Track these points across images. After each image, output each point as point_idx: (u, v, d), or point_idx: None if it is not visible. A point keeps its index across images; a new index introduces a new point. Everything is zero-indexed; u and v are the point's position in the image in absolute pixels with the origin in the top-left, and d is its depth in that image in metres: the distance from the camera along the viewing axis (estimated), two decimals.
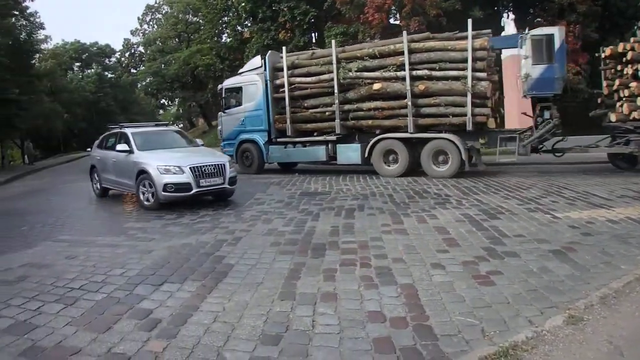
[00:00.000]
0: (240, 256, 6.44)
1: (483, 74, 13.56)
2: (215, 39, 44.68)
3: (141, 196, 10.84)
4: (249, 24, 37.46)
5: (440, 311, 4.41)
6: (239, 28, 39.04)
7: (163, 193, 10.27)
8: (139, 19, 69.87)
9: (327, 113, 15.80)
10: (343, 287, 5.07)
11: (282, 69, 16.39)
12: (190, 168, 10.26)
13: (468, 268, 5.52)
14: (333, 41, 17.29)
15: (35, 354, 4.03)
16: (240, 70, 18.82)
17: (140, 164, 10.88)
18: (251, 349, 3.89)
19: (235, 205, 10.68)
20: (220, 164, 10.80)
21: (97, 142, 14.19)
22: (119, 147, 11.69)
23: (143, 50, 70.31)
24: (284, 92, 16.33)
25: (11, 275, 6.26)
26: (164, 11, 67.56)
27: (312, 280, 5.32)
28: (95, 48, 74.68)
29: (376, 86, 14.72)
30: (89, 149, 27.40)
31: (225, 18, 41.51)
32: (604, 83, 14.13)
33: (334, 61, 15.30)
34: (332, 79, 15.39)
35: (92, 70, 73.80)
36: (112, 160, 12.43)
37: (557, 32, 13.80)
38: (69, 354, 3.98)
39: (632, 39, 13.64)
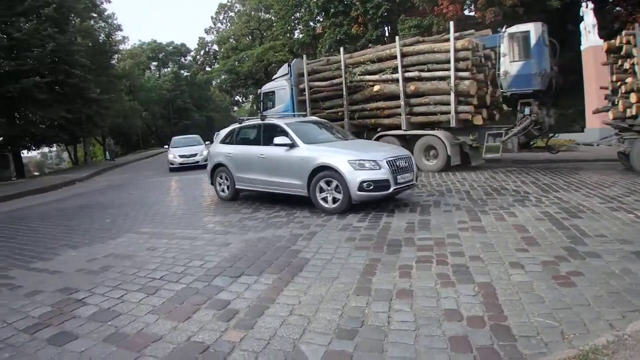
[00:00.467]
0: (315, 251, 6.49)
1: (466, 73, 14.62)
2: (288, 35, 45.15)
3: (320, 200, 9.26)
4: (321, 19, 37.60)
5: (519, 311, 4.28)
6: (311, 24, 39.27)
7: (358, 192, 8.73)
8: (212, 17, 71.87)
9: (339, 113, 17.81)
10: (419, 284, 5.02)
11: (304, 75, 18.65)
12: (387, 162, 8.90)
13: (548, 268, 5.32)
14: (342, 48, 19.00)
15: (118, 340, 4.22)
16: (274, 77, 21.19)
17: (315, 159, 9.25)
18: (327, 343, 3.91)
19: (308, 200, 10.70)
20: (409, 157, 9.53)
21: (219, 136, 12.52)
22: (278, 140, 9.84)
23: (217, 49, 72.20)
24: (305, 95, 18.66)
25: (96, 265, 6.60)
26: (236, 9, 69.01)
27: (387, 277, 5.29)
28: (171, 47, 77.32)
29: (376, 88, 16.54)
30: (166, 146, 29.21)
31: (298, 14, 41.88)
32: (609, 78, 13.49)
33: (342, 66, 17.39)
34: (341, 83, 17.46)
35: (169, 69, 76.59)
36: (258, 157, 10.54)
37: (533, 29, 14.46)
38: (150, 341, 4.14)
39: (623, 32, 12.98)
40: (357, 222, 8.09)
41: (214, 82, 72.96)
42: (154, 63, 78.35)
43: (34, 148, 36.28)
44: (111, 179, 22.17)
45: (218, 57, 71.44)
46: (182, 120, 69.81)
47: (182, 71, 76.95)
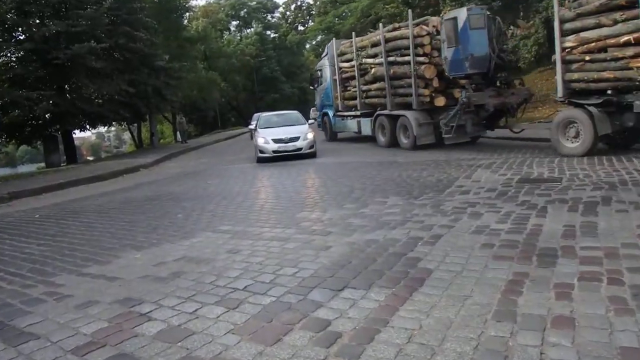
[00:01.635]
0: (440, 260, 6.35)
1: (422, 58, 20.12)
2: None
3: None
4: None
5: None
6: None
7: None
8: None
9: (356, 92, 25.18)
10: (583, 310, 4.74)
11: (339, 55, 26.61)
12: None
13: None
14: (354, 33, 25.95)
15: None
16: (322, 55, 31.07)
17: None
18: None
19: (432, 194, 10.66)
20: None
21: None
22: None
23: (312, 2, 72.77)
24: (336, 75, 26.75)
25: (165, 271, 6.78)
26: None
27: (539, 298, 5.06)
28: (254, 2, 78.72)
29: (372, 70, 23.24)
30: (251, 124, 30.53)
31: None
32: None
33: (354, 49, 24.57)
34: (354, 65, 24.82)
35: (252, 29, 78.24)
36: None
37: (459, 14, 18.81)
38: None
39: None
40: (495, 224, 7.86)
41: (307, 45, 73.84)
42: (234, 22, 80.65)
43: (88, 127, 35.93)
44: (183, 164, 23.26)
45: (313, 13, 72.03)
46: (270, 93, 71.71)
47: (269, 32, 78.57)
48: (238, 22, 79.98)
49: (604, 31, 14.21)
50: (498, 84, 19.86)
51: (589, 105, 14.65)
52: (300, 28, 76.10)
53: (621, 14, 13.70)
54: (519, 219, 8.11)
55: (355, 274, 6.04)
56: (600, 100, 14.45)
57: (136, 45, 30.76)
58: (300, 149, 21.68)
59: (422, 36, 20.11)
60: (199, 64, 50.14)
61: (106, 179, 19.98)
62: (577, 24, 15.01)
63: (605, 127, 14.57)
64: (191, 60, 43.42)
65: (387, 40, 22.02)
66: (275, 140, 21.76)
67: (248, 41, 73.26)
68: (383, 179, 13.45)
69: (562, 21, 15.34)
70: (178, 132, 42.93)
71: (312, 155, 21.88)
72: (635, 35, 13.31)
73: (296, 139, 21.90)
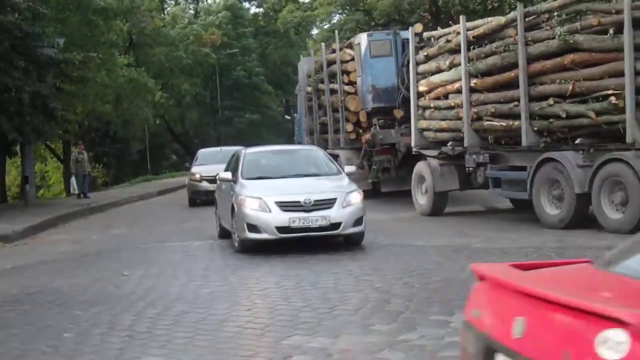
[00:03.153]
0: None
1: (349, 87, 18.42)
2: None
3: None
4: None
5: None
6: None
7: None
8: None
9: (313, 126, 22.51)
10: None
11: (307, 77, 23.26)
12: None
13: None
14: (312, 51, 25.21)
15: None
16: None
17: None
18: None
19: None
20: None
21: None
22: None
23: None
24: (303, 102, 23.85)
25: None
26: None
27: None
28: None
29: (321, 99, 20.70)
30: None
31: None
32: None
33: (313, 71, 21.79)
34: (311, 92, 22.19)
35: (218, 0, 51.56)
36: None
37: (361, 40, 17.89)
38: None
39: None
40: None
41: (315, 31, 44.31)
42: None
43: None
44: (81, 237, 15.56)
45: None
46: (243, 111, 49.12)
47: (247, 3, 52.18)
48: None
49: (444, 76, 14.18)
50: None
51: (430, 157, 14.79)
52: (304, 0, 41.57)
53: (453, 58, 13.78)
54: None
55: None
56: (435, 153, 14.58)
57: (4, 18, 18.61)
58: (338, 225, 11.61)
59: (347, 61, 18.48)
60: (118, 57, 31.67)
61: None
62: (426, 67, 14.97)
63: (447, 183, 14.31)
64: (105, 48, 27.54)
65: (328, 64, 19.75)
66: (285, 205, 11.87)
67: (210, 20, 47.83)
68: (444, 279, 8.73)
69: (417, 63, 15.19)
70: (73, 178, 26.31)
71: (354, 241, 12.41)
72: (457, 84, 13.44)
73: (328, 203, 11.79)
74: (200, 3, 52.81)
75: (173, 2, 52.81)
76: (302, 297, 8.19)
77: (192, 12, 50.92)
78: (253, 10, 51.52)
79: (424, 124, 14.78)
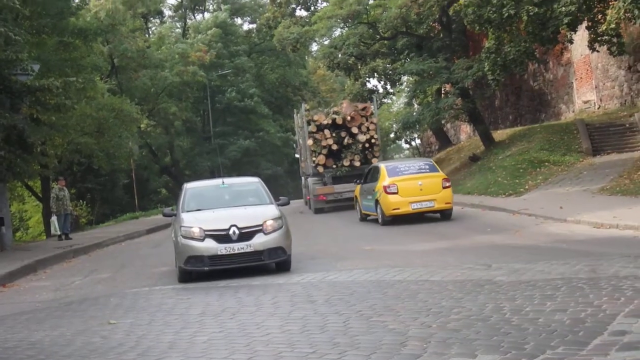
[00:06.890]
0: None
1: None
2: None
3: None
4: None
5: None
6: None
7: None
8: None
9: None
10: None
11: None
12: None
13: None
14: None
15: None
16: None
17: None
18: None
19: (564, 349, 6.48)
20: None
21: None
22: None
23: None
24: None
25: None
26: None
27: None
28: None
29: None
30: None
31: None
32: None
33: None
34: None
35: (209, 15, 48.98)
36: None
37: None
38: None
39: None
40: None
41: (315, 46, 43.44)
42: (172, 1, 51.94)
43: None
44: (63, 284, 14.48)
45: None
46: (236, 137, 46.09)
47: (239, 19, 51.23)
48: (180, 0, 51.52)
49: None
50: None
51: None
52: (301, 14, 40.82)
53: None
54: None
55: None
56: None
57: None
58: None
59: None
60: (99, 82, 29.63)
61: None
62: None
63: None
64: (84, 73, 25.50)
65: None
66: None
67: (199, 38, 45.88)
68: (464, 317, 7.85)
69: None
70: (54, 217, 24.14)
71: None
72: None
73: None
74: (188, 20, 50.76)
75: (158, 21, 50.59)
76: (308, 343, 7.31)
77: (179, 30, 49.28)
78: (246, 26, 50.25)
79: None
